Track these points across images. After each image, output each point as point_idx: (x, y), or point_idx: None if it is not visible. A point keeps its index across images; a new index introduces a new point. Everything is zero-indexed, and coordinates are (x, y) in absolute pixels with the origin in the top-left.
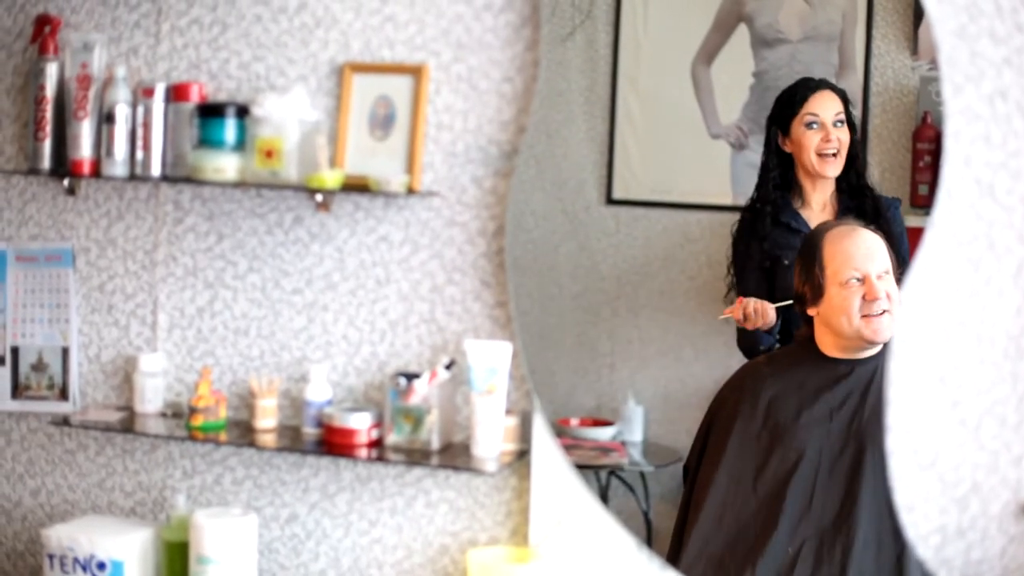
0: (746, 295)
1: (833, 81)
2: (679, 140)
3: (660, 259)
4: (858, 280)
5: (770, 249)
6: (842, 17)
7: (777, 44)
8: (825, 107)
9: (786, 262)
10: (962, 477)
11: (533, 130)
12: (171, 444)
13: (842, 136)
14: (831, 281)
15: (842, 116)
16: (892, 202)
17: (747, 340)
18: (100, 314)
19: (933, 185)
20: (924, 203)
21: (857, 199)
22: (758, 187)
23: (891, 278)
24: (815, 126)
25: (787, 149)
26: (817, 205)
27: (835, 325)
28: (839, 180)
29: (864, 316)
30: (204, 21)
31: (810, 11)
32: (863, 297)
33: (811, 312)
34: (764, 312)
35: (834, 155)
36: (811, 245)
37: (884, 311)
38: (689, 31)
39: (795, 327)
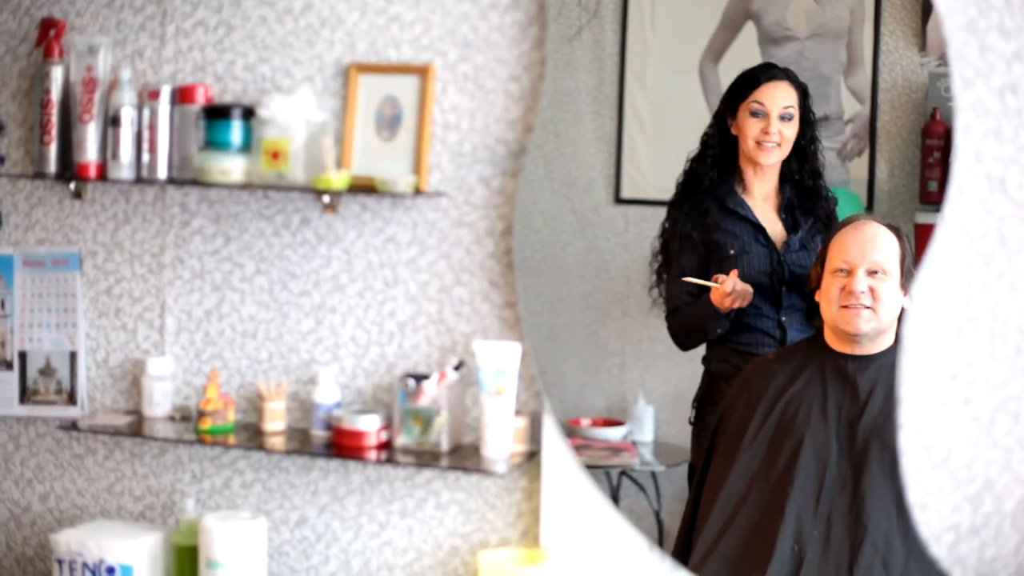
0: (680, 276)
1: (841, 77)
2: (687, 138)
3: None
4: (844, 271)
5: (714, 235)
6: (850, 14)
7: (785, 42)
8: (774, 98)
9: (731, 251)
10: (975, 474)
11: (541, 130)
12: (180, 448)
13: (786, 130)
14: (827, 269)
15: (792, 110)
16: (831, 199)
17: (700, 323)
18: (107, 318)
19: (942, 182)
20: (933, 200)
21: (808, 199)
22: (696, 159)
23: (887, 279)
24: (760, 115)
25: (733, 131)
26: (759, 194)
27: (824, 314)
28: (785, 174)
29: (843, 306)
30: (209, 23)
31: (818, 8)
32: (841, 288)
33: (816, 298)
34: (745, 292)
35: (776, 145)
36: (829, 235)
37: (863, 306)
38: (696, 29)
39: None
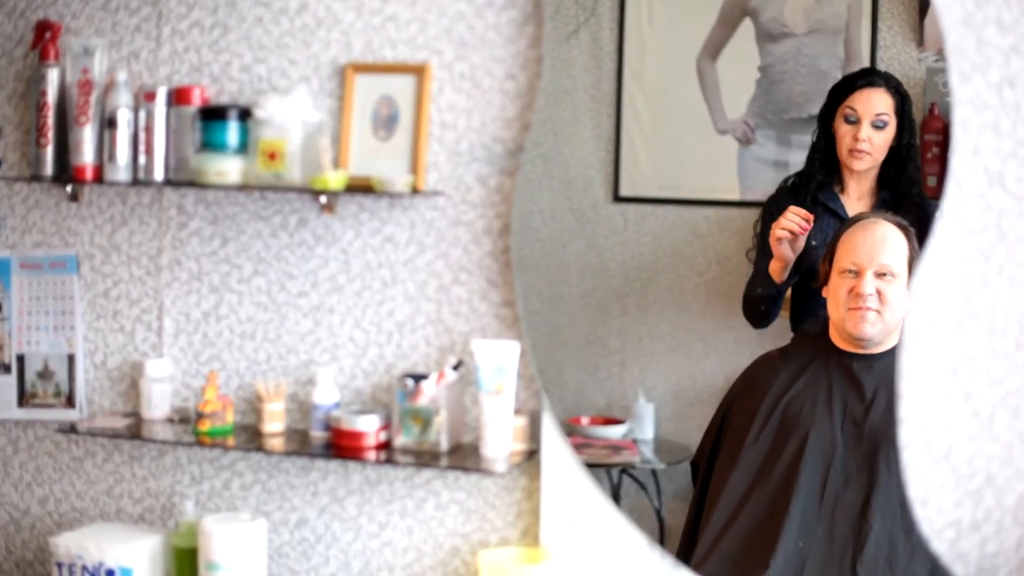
0: (765, 267)
1: (839, 73)
2: (686, 136)
3: (668, 256)
4: (852, 272)
5: None
6: (847, 10)
7: (782, 38)
8: (868, 104)
9: (813, 242)
10: (976, 470)
11: (539, 128)
12: (179, 450)
13: (878, 137)
14: (835, 268)
15: (886, 118)
16: (930, 206)
17: (751, 284)
18: (105, 320)
19: (941, 177)
20: (933, 195)
21: (902, 203)
22: (807, 161)
23: (895, 281)
24: (852, 121)
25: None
26: (854, 193)
27: (831, 312)
28: (884, 175)
29: (850, 308)
30: (205, 24)
31: (815, 4)
32: (849, 290)
33: (824, 294)
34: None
35: (867, 152)
36: (839, 231)
37: (870, 308)
38: (694, 26)
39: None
